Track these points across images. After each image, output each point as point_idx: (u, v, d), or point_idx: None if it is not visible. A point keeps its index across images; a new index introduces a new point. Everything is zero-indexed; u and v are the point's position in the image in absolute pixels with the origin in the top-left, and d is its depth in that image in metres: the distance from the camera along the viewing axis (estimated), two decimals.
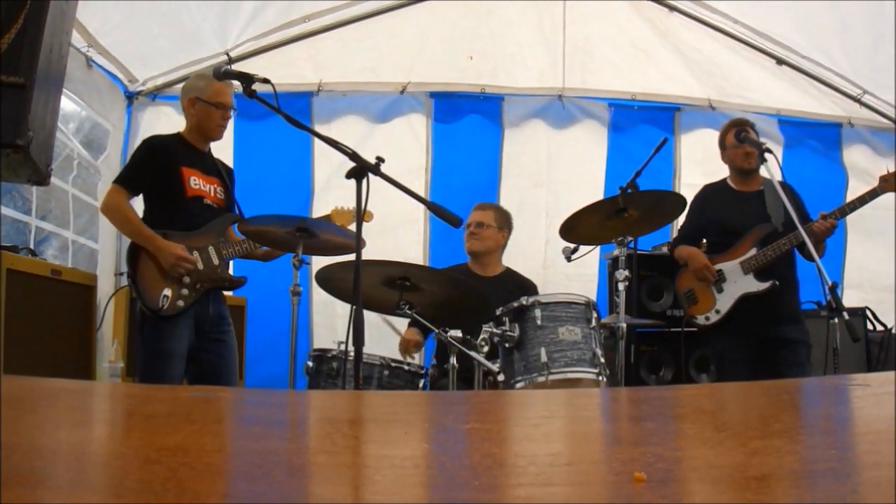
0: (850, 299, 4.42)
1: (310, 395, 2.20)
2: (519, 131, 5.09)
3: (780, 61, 4.85)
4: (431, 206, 2.66)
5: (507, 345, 2.88)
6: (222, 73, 2.66)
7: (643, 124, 5.10)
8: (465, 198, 4.45)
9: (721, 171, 3.87)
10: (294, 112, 2.82)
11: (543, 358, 2.77)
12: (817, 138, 5.14)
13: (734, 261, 3.60)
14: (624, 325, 3.01)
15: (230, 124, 3.50)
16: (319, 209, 4.38)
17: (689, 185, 4.59)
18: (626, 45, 4.94)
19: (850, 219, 3.77)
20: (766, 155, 3.39)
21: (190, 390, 2.55)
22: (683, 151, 5.12)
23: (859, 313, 4.26)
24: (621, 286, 3.04)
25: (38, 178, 1.43)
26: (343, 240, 3.11)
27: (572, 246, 3.39)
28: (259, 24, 4.57)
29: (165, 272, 3.08)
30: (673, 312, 4.21)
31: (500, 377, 2.82)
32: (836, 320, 3.34)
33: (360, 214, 2.42)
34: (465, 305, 3.11)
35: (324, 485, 0.70)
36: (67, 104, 4.12)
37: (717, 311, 3.61)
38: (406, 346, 3.75)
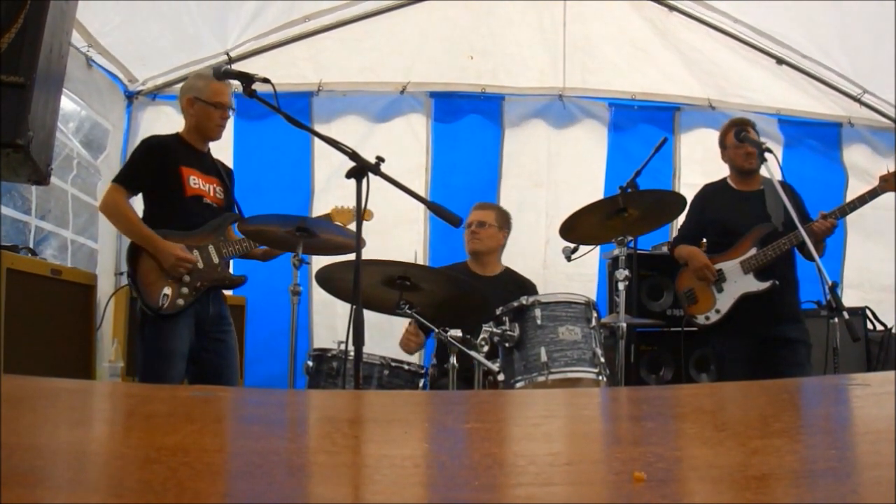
0: (849, 299, 4.42)
1: (310, 395, 2.20)
2: (519, 131, 5.09)
3: (780, 61, 4.85)
4: (431, 206, 2.66)
5: (507, 344, 2.88)
6: (222, 73, 2.67)
7: (643, 124, 5.10)
8: (465, 197, 4.45)
9: (721, 171, 3.87)
10: (294, 112, 2.82)
11: (543, 357, 2.77)
12: (817, 138, 5.14)
13: (734, 260, 3.60)
14: (624, 325, 3.01)
15: (230, 124, 3.50)
16: (319, 209, 4.38)
17: (689, 184, 4.59)
18: (626, 45, 4.94)
19: (850, 218, 3.77)
20: (766, 154, 3.39)
21: (190, 390, 2.55)
22: (683, 151, 5.13)
23: (859, 313, 4.26)
24: (621, 286, 3.04)
25: (38, 177, 1.43)
26: (343, 239, 3.11)
27: (572, 246, 3.39)
28: (259, 25, 4.57)
29: (165, 271, 3.08)
30: (673, 312, 4.21)
31: (500, 377, 2.82)
32: (836, 320, 3.34)
33: (360, 214, 2.42)
34: (465, 305, 3.11)
35: (324, 484, 0.70)
36: (67, 104, 4.12)
37: (718, 311, 3.61)
38: (407, 344, 3.75)
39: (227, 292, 3.62)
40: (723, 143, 3.77)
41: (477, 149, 5.09)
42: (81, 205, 4.37)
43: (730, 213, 3.69)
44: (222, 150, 3.96)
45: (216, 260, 3.21)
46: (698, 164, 4.94)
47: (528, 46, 4.95)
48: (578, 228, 3.18)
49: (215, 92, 3.28)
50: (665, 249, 4.18)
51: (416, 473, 0.75)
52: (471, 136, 5.08)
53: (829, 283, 3.12)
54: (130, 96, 4.75)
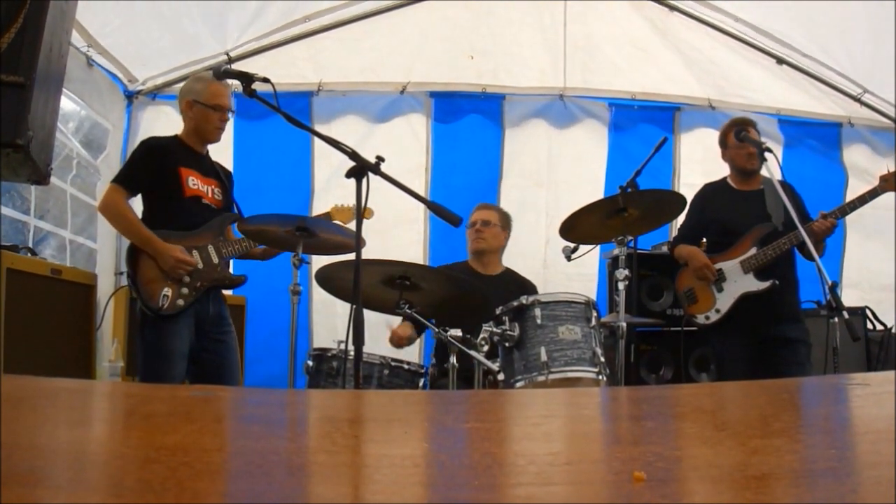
0: (848, 299, 4.41)
1: (310, 395, 2.20)
2: (519, 131, 5.09)
3: (780, 60, 4.85)
4: (431, 206, 2.66)
5: (506, 344, 2.88)
6: (222, 73, 2.67)
7: (643, 124, 5.10)
8: (465, 197, 4.45)
9: (721, 171, 3.86)
10: (294, 112, 2.82)
11: (543, 357, 2.77)
12: (817, 138, 5.14)
13: (734, 260, 3.60)
14: (624, 325, 3.01)
15: (230, 124, 3.50)
16: (319, 209, 4.38)
17: (689, 184, 4.59)
18: (627, 45, 4.94)
19: (849, 218, 3.77)
20: (766, 154, 3.39)
21: (189, 390, 2.55)
22: (683, 151, 5.13)
23: (859, 313, 4.26)
24: (621, 285, 3.04)
25: (37, 177, 1.43)
26: (343, 239, 3.11)
27: (572, 245, 3.39)
28: (260, 26, 4.57)
29: (165, 272, 3.08)
30: (673, 312, 4.21)
31: (500, 376, 2.82)
32: (836, 320, 3.34)
33: (360, 213, 2.42)
34: (464, 304, 3.11)
35: (323, 484, 0.70)
36: (67, 103, 4.12)
37: (717, 311, 3.61)
38: (398, 341, 3.76)
39: (227, 292, 3.62)
40: (724, 143, 3.77)
41: (477, 149, 5.09)
42: (80, 205, 4.37)
43: (730, 212, 3.69)
44: (222, 150, 3.96)
45: (216, 260, 3.21)
46: (698, 163, 4.94)
47: (528, 46, 4.95)
48: (578, 228, 3.18)
49: (214, 94, 3.27)
50: (665, 249, 4.18)
51: (416, 473, 0.75)
52: (471, 136, 5.08)
53: (829, 282, 3.12)
54: (130, 96, 4.75)
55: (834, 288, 3.13)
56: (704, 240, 3.83)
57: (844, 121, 5.12)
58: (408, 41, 4.89)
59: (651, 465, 0.72)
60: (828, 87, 4.96)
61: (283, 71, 4.62)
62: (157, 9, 4.12)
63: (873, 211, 3.91)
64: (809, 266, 3.38)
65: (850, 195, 4.03)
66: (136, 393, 1.61)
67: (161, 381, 2.97)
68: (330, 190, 4.67)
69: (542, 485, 0.69)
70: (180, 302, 3.09)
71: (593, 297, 4.21)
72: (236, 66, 3.88)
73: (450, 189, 4.86)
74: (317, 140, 4.06)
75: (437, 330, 2.85)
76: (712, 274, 3.61)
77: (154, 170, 3.16)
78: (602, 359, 2.84)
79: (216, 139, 3.36)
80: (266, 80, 2.51)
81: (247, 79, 2.50)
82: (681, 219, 3.79)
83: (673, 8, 4.81)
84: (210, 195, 3.29)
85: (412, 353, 4.63)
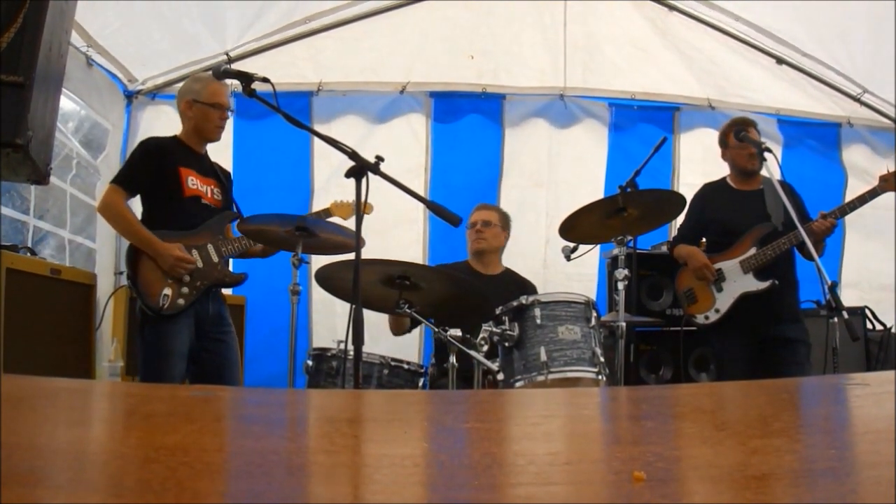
0: (848, 299, 4.41)
1: (309, 394, 2.20)
2: (520, 131, 5.09)
3: (780, 60, 4.85)
4: (431, 205, 2.66)
5: (506, 344, 2.88)
6: (222, 73, 2.67)
7: (643, 124, 5.10)
8: (465, 197, 4.46)
9: (720, 171, 3.86)
10: (294, 112, 2.82)
11: (543, 357, 2.77)
12: (816, 138, 5.14)
13: (734, 260, 3.60)
14: (623, 324, 3.01)
15: (229, 124, 3.50)
16: (319, 208, 4.38)
17: (688, 184, 4.59)
18: (627, 45, 4.94)
19: (849, 218, 3.77)
20: (766, 154, 3.39)
21: (189, 389, 2.54)
22: (683, 151, 5.13)
23: (858, 312, 4.26)
24: (621, 285, 3.04)
25: (37, 177, 1.43)
26: (342, 239, 3.11)
27: (571, 245, 3.39)
28: (260, 27, 4.58)
29: (165, 272, 3.08)
30: (672, 311, 4.21)
31: (500, 376, 2.82)
32: (836, 319, 3.33)
33: (360, 213, 2.42)
34: (464, 304, 3.11)
35: (323, 484, 0.70)
36: (67, 103, 4.12)
37: (717, 311, 3.61)
38: (398, 325, 3.76)
39: (227, 292, 3.62)
40: (724, 143, 3.77)
41: (477, 148, 5.09)
42: (80, 204, 4.37)
43: (729, 212, 3.69)
44: (221, 150, 3.95)
45: (216, 259, 3.21)
46: (697, 163, 4.94)
47: (528, 46, 4.95)
48: (578, 228, 3.18)
49: (213, 93, 3.28)
50: (664, 249, 4.18)
51: (416, 473, 0.75)
52: (471, 136, 5.08)
53: (829, 282, 3.12)
54: (130, 96, 4.74)
55: (833, 288, 3.13)
56: (704, 240, 3.83)
57: (844, 121, 5.12)
58: (408, 41, 4.89)
59: (651, 464, 0.72)
60: (827, 87, 4.96)
61: (282, 71, 4.62)
62: (157, 9, 4.12)
63: (873, 211, 3.91)
64: (809, 266, 3.38)
65: (850, 195, 4.04)
66: (135, 393, 1.61)
67: (161, 380, 2.97)
68: (330, 190, 4.67)
69: (541, 485, 0.69)
70: (181, 301, 3.09)
71: (593, 296, 4.22)
72: (236, 66, 3.88)
73: (449, 189, 4.86)
74: (316, 140, 4.05)
75: (436, 330, 2.85)
76: (711, 274, 3.61)
77: (153, 170, 3.16)
78: (602, 359, 2.84)
79: (216, 138, 3.36)
80: (266, 80, 2.51)
81: (246, 78, 2.50)
82: (680, 219, 3.79)
83: (673, 8, 4.81)
84: (209, 195, 3.29)
85: (412, 353, 4.63)
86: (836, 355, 3.44)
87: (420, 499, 0.67)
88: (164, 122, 4.58)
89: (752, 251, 3.57)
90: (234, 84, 2.97)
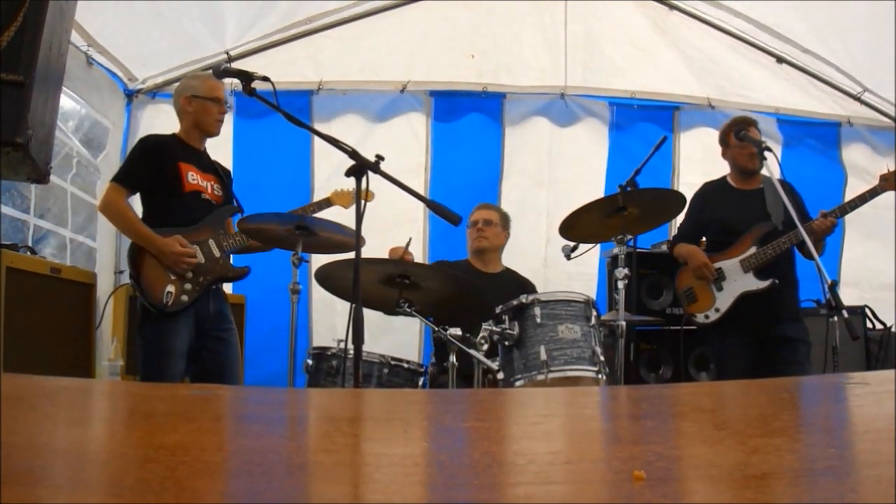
0: (847, 298, 4.40)
1: (309, 394, 2.20)
2: (520, 130, 5.09)
3: (780, 59, 4.85)
4: (431, 204, 2.66)
5: (506, 343, 2.88)
6: (222, 72, 2.67)
7: (643, 123, 5.10)
8: (465, 197, 4.46)
9: (720, 170, 3.86)
10: (294, 111, 2.81)
11: (543, 356, 2.78)
12: (816, 137, 5.14)
13: (734, 259, 3.60)
14: (623, 324, 3.01)
15: (229, 123, 3.50)
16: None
17: (688, 183, 4.59)
18: (627, 44, 4.94)
19: (848, 217, 3.77)
20: (766, 153, 3.39)
21: (189, 388, 2.55)
22: (683, 150, 5.12)
23: (858, 312, 4.26)
24: (621, 284, 3.04)
25: (37, 176, 1.43)
26: (342, 238, 3.11)
27: (571, 244, 3.40)
28: (261, 27, 4.57)
29: (167, 269, 3.08)
30: (672, 310, 4.21)
31: (500, 375, 2.82)
32: (836, 319, 3.34)
33: (360, 214, 2.42)
34: (464, 303, 3.11)
35: (323, 483, 0.70)
36: (67, 102, 4.12)
37: (717, 310, 3.61)
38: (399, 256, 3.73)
39: (227, 291, 3.62)
40: (725, 142, 3.76)
41: (477, 148, 5.09)
42: (80, 203, 4.36)
43: (729, 211, 3.69)
44: (221, 148, 3.95)
45: (217, 254, 3.21)
46: (697, 162, 4.94)
47: (528, 45, 4.95)
48: (578, 227, 3.18)
49: (211, 88, 3.30)
50: (664, 248, 4.18)
51: (416, 472, 0.75)
52: (471, 135, 5.07)
53: (829, 281, 3.12)
54: (130, 95, 4.74)
55: (834, 287, 3.13)
56: (704, 239, 3.82)
57: (843, 120, 5.12)
58: (408, 40, 4.88)
59: (651, 464, 0.72)
60: (827, 87, 4.96)
61: (282, 70, 4.62)
62: (157, 8, 4.12)
63: (872, 210, 3.91)
64: (809, 265, 3.38)
65: (850, 194, 4.03)
66: (135, 392, 1.61)
67: (161, 379, 2.97)
68: (330, 189, 4.63)
69: (541, 484, 0.69)
70: (184, 298, 3.09)
71: (593, 295, 4.21)
72: (236, 65, 3.87)
73: (450, 188, 4.86)
74: (317, 139, 4.05)
75: (436, 329, 2.85)
76: (711, 273, 3.61)
77: (153, 166, 3.17)
78: (601, 358, 2.84)
79: (216, 132, 3.36)
80: (266, 79, 2.52)
81: (246, 77, 2.50)
82: (680, 217, 3.79)
83: (673, 7, 4.80)
84: (210, 191, 3.30)
85: (412, 352, 4.63)
86: (836, 354, 3.44)
87: (420, 498, 0.67)
88: (163, 120, 4.57)
89: (752, 250, 3.57)
90: (234, 83, 2.97)
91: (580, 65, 4.94)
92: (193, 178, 3.23)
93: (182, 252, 3.08)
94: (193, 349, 3.13)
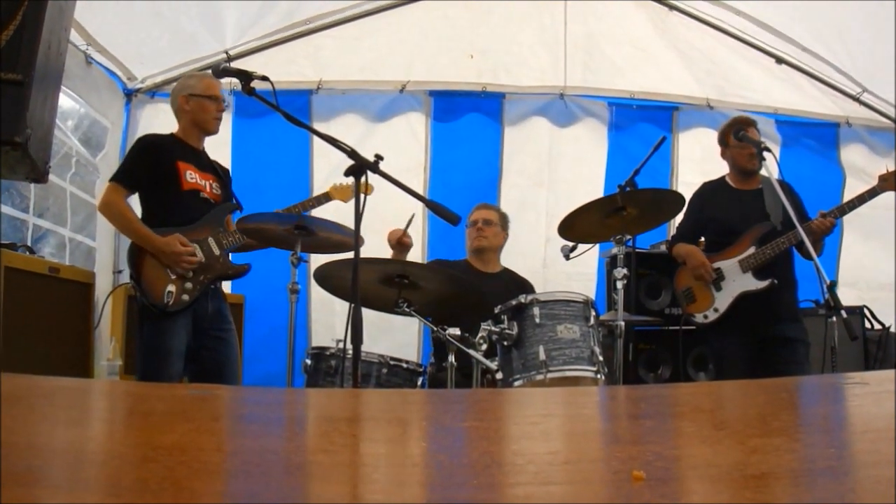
0: (846, 298, 4.39)
1: (308, 394, 2.20)
2: (519, 130, 5.09)
3: (779, 60, 4.85)
4: (430, 204, 2.66)
5: (505, 343, 2.88)
6: (221, 71, 2.67)
7: (642, 123, 5.10)
8: (464, 196, 4.46)
9: (718, 171, 3.86)
10: (293, 110, 2.81)
11: (542, 356, 2.77)
12: (815, 138, 5.15)
13: (733, 259, 3.60)
14: (622, 324, 3.01)
15: (228, 123, 3.50)
16: (318, 210, 4.38)
17: (687, 183, 4.59)
18: (626, 45, 4.94)
19: (847, 217, 3.76)
20: (765, 154, 3.39)
21: (187, 388, 2.54)
22: (681, 150, 5.13)
23: (857, 312, 4.26)
24: (620, 284, 3.04)
25: (36, 175, 1.43)
26: (341, 237, 3.11)
27: (570, 244, 3.40)
28: (261, 27, 4.57)
29: (167, 268, 3.08)
30: (671, 311, 4.21)
31: (499, 375, 2.82)
32: (835, 319, 3.34)
33: (359, 214, 2.42)
34: (463, 303, 3.11)
35: (322, 483, 0.70)
36: (66, 101, 4.11)
37: (716, 310, 3.61)
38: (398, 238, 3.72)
39: (226, 290, 3.62)
40: (724, 142, 3.76)
41: (477, 147, 5.09)
42: (80, 203, 4.36)
43: (728, 211, 3.69)
44: (220, 147, 3.95)
45: (217, 252, 3.21)
46: (696, 163, 4.94)
47: (528, 45, 4.95)
48: (577, 227, 3.18)
49: (209, 86, 3.31)
50: (663, 248, 4.18)
51: (415, 472, 0.75)
52: (471, 135, 5.07)
53: (828, 282, 3.12)
54: (129, 94, 4.73)
55: (832, 287, 3.13)
56: (703, 239, 3.83)
57: (842, 121, 5.12)
58: (407, 40, 4.88)
59: (650, 464, 0.72)
60: (826, 87, 4.96)
61: (282, 69, 4.62)
62: (156, 8, 4.12)
63: (871, 210, 3.91)
64: (808, 265, 3.37)
65: (848, 195, 4.03)
66: (133, 392, 1.61)
67: (159, 379, 2.97)
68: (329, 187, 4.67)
69: (540, 484, 0.69)
70: (185, 297, 3.09)
71: (592, 296, 4.22)
72: (235, 65, 3.88)
73: (449, 188, 4.86)
74: (316, 138, 4.05)
75: (435, 329, 2.85)
76: (709, 273, 3.61)
77: (151, 165, 3.17)
78: (600, 358, 2.84)
79: (215, 130, 3.36)
80: (265, 79, 2.51)
81: (246, 77, 2.50)
82: (679, 217, 3.79)
83: (673, 7, 4.80)
84: (209, 189, 3.30)
85: (411, 352, 4.63)
86: (835, 354, 3.44)
87: (419, 498, 0.67)
88: (163, 120, 4.56)
89: (751, 250, 3.57)
90: (233, 82, 2.97)
91: (580, 65, 4.94)
92: (192, 176, 3.23)
93: (182, 251, 3.08)
94: (192, 349, 3.13)
